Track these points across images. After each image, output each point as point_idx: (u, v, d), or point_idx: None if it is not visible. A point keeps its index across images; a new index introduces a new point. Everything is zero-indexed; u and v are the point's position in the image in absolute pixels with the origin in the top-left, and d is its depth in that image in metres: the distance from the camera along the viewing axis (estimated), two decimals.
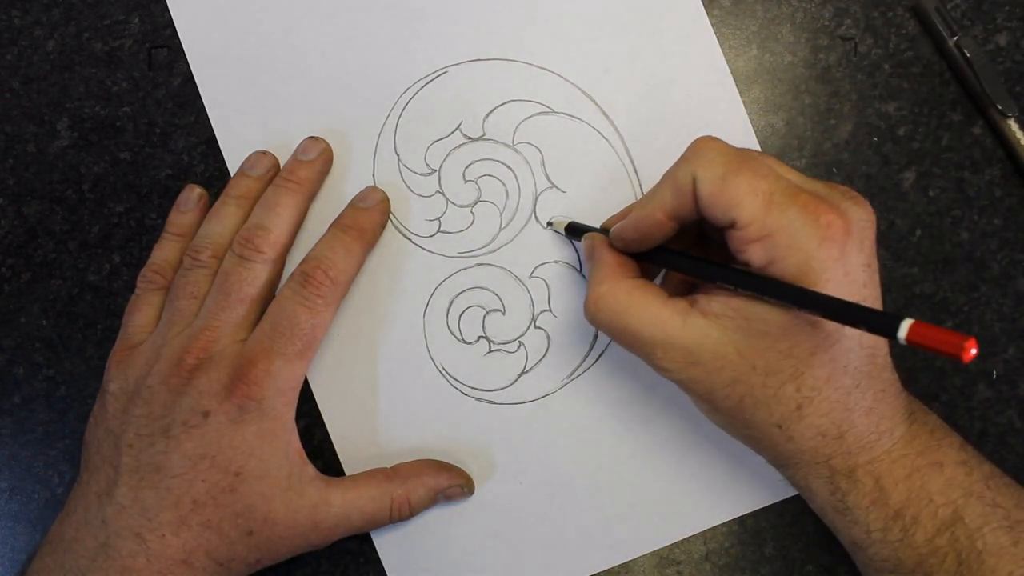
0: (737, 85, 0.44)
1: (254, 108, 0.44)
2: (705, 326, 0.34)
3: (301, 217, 0.43)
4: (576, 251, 0.44)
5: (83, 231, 0.45)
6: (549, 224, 0.44)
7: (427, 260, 0.44)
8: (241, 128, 0.44)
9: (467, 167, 0.44)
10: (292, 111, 0.44)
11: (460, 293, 0.44)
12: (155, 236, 0.44)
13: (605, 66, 0.44)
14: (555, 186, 0.44)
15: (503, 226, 0.44)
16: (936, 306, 0.44)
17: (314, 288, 0.40)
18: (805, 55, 0.44)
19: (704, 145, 0.35)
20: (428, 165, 0.44)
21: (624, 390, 0.43)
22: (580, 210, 0.43)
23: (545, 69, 0.44)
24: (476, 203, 0.44)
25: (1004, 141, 0.43)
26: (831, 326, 0.33)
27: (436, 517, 0.43)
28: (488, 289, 0.44)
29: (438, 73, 0.44)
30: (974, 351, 0.27)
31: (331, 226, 0.42)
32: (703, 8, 0.44)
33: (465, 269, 0.44)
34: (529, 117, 0.44)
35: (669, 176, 0.35)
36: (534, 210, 0.44)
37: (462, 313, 0.44)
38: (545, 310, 0.44)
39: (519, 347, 0.44)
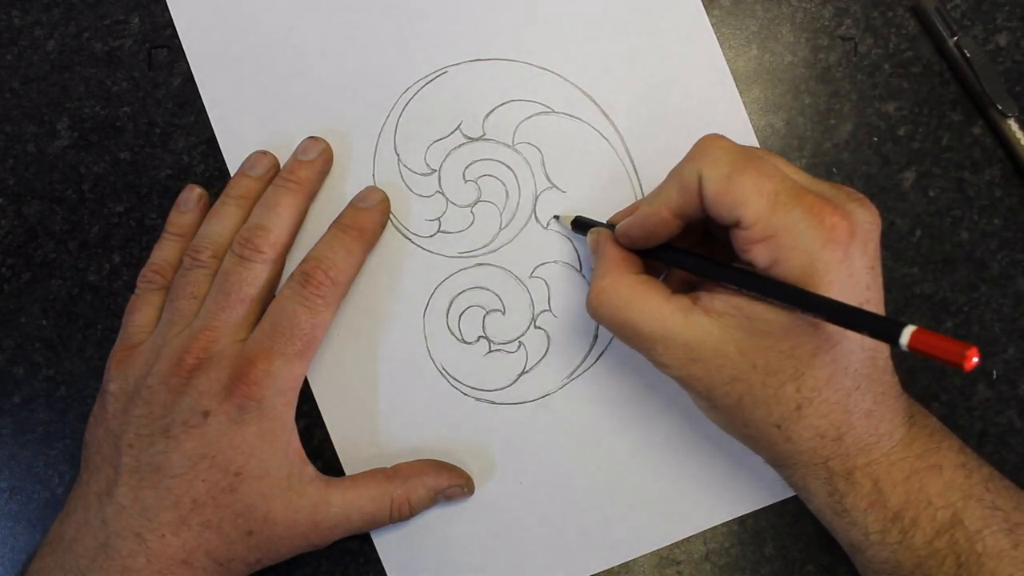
0: (737, 85, 0.44)
1: (254, 108, 0.44)
2: (707, 323, 0.34)
3: (301, 217, 0.43)
4: (576, 251, 0.44)
5: (83, 231, 0.45)
6: (556, 218, 0.44)
7: (427, 260, 0.44)
8: (241, 128, 0.44)
9: (467, 167, 0.44)
10: (292, 111, 0.44)
11: (460, 293, 0.44)
12: (155, 236, 0.44)
13: (605, 66, 0.44)
14: (555, 186, 0.44)
15: (503, 226, 0.44)
16: (936, 306, 0.44)
17: (314, 288, 0.40)
18: (805, 55, 0.44)
19: (710, 143, 0.35)
20: (428, 165, 0.44)
21: (624, 390, 0.43)
22: (580, 210, 0.43)
23: (545, 69, 0.44)
24: (476, 203, 0.44)
25: (1004, 141, 0.43)
26: (833, 328, 0.33)
27: (436, 517, 0.43)
28: (488, 289, 0.44)
29: (438, 73, 0.44)
30: (976, 359, 0.27)
31: (331, 226, 0.42)
32: (703, 8, 0.44)
33: (465, 269, 0.44)
34: (529, 117, 0.44)
35: (675, 174, 0.35)
36: (534, 210, 0.44)
37: (462, 313, 0.44)
38: (545, 310, 0.44)
39: (519, 347, 0.44)
